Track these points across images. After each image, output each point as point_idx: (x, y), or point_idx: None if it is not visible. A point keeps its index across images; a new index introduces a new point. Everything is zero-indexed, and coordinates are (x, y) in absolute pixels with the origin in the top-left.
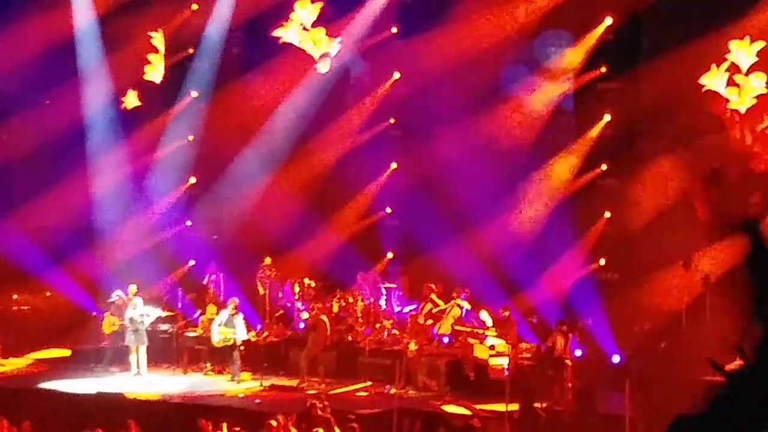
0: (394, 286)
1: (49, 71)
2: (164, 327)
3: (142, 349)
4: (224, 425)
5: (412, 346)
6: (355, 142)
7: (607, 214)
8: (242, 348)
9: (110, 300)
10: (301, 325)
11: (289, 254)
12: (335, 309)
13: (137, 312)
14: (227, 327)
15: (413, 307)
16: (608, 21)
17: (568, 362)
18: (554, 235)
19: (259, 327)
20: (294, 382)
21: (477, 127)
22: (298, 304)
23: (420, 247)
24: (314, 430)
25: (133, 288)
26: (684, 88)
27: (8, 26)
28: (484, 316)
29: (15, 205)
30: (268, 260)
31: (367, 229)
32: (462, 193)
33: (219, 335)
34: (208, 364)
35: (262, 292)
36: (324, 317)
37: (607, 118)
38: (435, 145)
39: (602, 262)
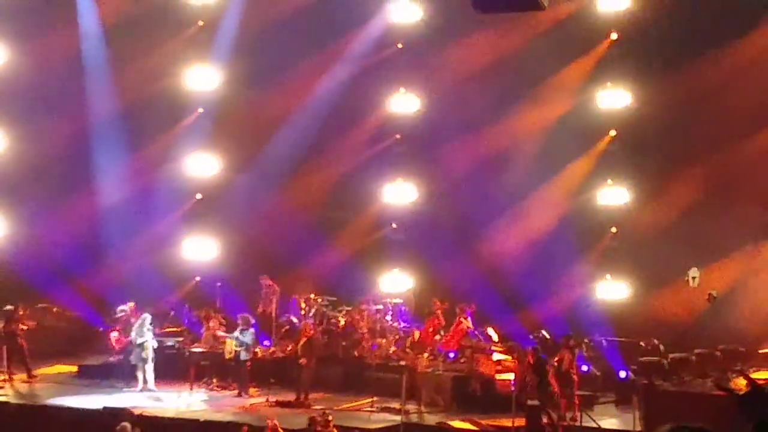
0: (400, 301)
1: (56, 85)
2: (170, 343)
3: (149, 366)
4: None
5: (425, 359)
6: (361, 158)
7: (613, 229)
8: (249, 363)
9: (116, 315)
10: None
11: (295, 270)
12: (341, 324)
13: (142, 329)
14: (236, 341)
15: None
16: (613, 36)
17: (575, 377)
18: (560, 250)
19: (266, 343)
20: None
21: (483, 141)
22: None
23: (426, 262)
24: None
25: (130, 305)
26: (689, 102)
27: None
28: (491, 331)
29: (22, 220)
30: (266, 277)
31: (373, 245)
32: (469, 208)
33: (228, 346)
34: (215, 380)
35: (260, 309)
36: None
37: (612, 133)
38: (441, 160)
39: (608, 277)
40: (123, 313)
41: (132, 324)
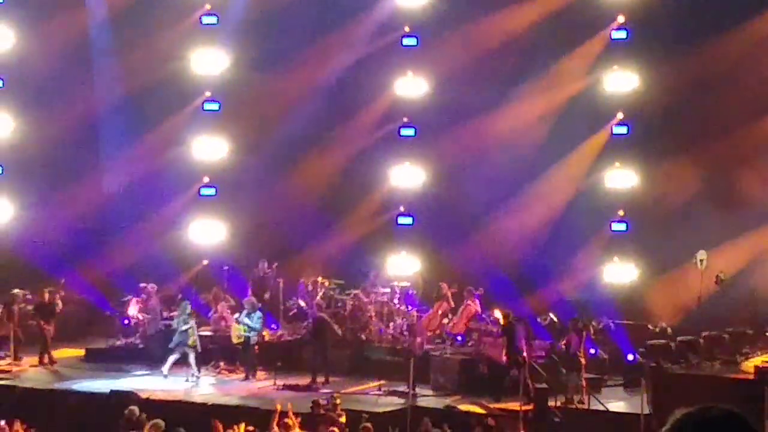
0: (408, 284)
1: (63, 70)
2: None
3: (193, 354)
4: (242, 426)
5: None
6: (368, 141)
7: (621, 212)
8: (256, 347)
9: (124, 299)
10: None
11: (302, 253)
12: (349, 307)
13: (185, 316)
14: (242, 324)
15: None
16: (620, 19)
17: (583, 360)
18: (568, 233)
19: (273, 326)
20: (307, 381)
21: (490, 124)
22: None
23: (434, 245)
24: (329, 429)
25: (152, 286)
26: (697, 86)
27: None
28: (498, 314)
29: (29, 203)
30: (264, 263)
31: (381, 228)
32: (476, 191)
33: (236, 331)
34: (222, 363)
35: (266, 295)
36: (324, 315)
37: (619, 116)
38: (448, 143)
39: (615, 259)
40: (130, 297)
41: (151, 305)
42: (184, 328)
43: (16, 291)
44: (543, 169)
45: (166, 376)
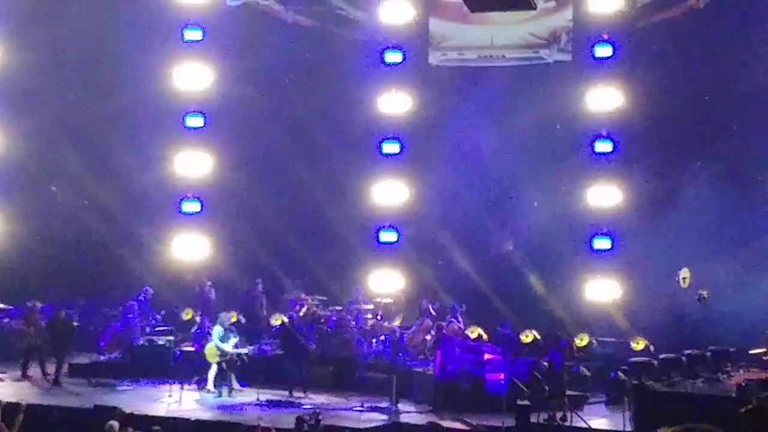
0: (391, 301)
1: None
2: (161, 342)
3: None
4: None
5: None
6: (351, 156)
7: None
8: (238, 362)
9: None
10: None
11: (286, 269)
12: (331, 324)
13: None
14: (223, 342)
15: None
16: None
17: (566, 377)
18: (551, 250)
19: (266, 347)
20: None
21: (473, 140)
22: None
23: (417, 261)
24: None
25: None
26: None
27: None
28: (478, 331)
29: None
30: (260, 283)
31: (364, 244)
32: (460, 207)
33: (217, 351)
34: (205, 378)
35: (261, 315)
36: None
37: (603, 132)
38: (432, 159)
39: (598, 277)
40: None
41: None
42: (233, 343)
43: (35, 303)
44: (527, 184)
45: (210, 391)
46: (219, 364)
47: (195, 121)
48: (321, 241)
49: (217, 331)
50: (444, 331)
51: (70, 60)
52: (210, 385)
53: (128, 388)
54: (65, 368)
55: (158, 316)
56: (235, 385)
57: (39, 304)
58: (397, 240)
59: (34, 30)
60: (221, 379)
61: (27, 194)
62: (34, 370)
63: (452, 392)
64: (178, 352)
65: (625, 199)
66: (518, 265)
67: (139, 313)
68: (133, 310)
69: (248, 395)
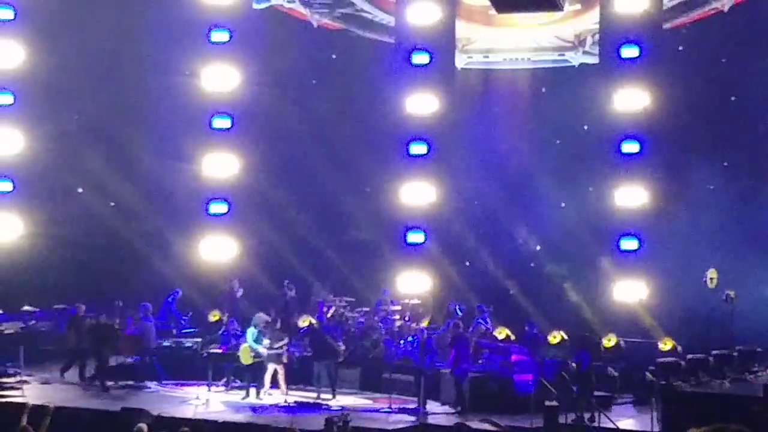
0: (418, 302)
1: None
2: (189, 343)
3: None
4: None
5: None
6: (379, 157)
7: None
8: (286, 362)
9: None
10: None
11: (313, 271)
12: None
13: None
14: (257, 343)
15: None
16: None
17: (593, 377)
18: (578, 251)
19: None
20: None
21: (501, 141)
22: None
23: (444, 263)
24: None
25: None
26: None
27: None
28: (506, 332)
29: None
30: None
31: (393, 245)
32: (487, 208)
33: (251, 352)
34: (233, 380)
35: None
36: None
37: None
38: (459, 161)
39: (626, 277)
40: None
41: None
42: (279, 344)
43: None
44: (555, 186)
45: (267, 393)
46: (259, 365)
47: (222, 123)
48: (348, 242)
49: (251, 332)
50: (460, 330)
51: (97, 61)
52: (266, 386)
53: (154, 390)
54: (89, 371)
55: (186, 318)
56: (283, 387)
57: (83, 307)
58: (425, 241)
59: (60, 31)
60: (250, 380)
61: (53, 197)
62: (70, 373)
63: (480, 393)
64: (206, 354)
65: (651, 199)
66: (545, 265)
67: (163, 314)
68: (146, 311)
69: (276, 397)
